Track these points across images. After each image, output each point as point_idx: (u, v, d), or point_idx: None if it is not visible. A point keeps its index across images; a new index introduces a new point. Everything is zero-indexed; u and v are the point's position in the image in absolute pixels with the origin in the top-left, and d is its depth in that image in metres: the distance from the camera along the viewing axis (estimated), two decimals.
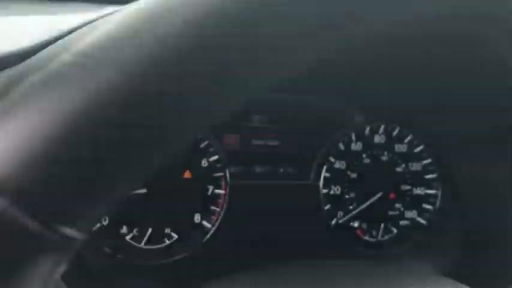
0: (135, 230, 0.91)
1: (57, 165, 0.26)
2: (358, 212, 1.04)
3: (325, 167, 1.03)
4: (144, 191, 0.89)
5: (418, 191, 1.09)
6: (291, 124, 1.03)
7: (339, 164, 1.04)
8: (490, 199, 0.94)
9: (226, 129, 0.99)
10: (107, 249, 0.89)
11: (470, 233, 1.00)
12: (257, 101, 1.01)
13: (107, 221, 0.89)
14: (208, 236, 0.95)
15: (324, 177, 1.03)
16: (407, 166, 1.08)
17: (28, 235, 0.26)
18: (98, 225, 0.88)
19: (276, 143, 1.02)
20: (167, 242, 0.94)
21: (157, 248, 0.93)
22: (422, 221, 1.09)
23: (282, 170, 1.03)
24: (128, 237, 0.91)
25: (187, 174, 0.95)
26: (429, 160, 1.08)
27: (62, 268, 0.30)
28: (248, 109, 1.01)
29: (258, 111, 1.02)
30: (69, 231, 0.28)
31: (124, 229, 0.91)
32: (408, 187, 1.08)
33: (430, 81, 0.88)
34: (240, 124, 1.00)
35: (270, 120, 1.02)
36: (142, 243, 0.91)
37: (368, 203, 1.04)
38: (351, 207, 1.05)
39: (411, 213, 1.09)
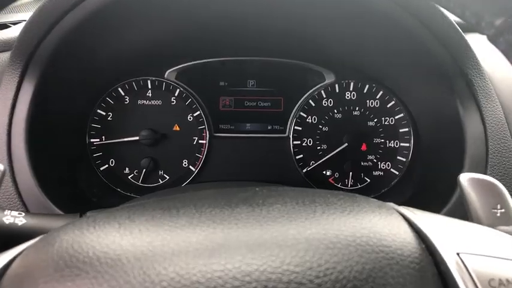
0: (135, 171, 1.15)
1: None
2: (329, 161, 1.15)
3: (294, 121, 1.16)
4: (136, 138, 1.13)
5: (392, 144, 1.17)
6: (276, 86, 1.19)
7: (311, 119, 1.17)
8: (443, 135, 0.99)
9: (222, 92, 1.18)
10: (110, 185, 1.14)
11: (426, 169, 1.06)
12: (248, 67, 1.18)
13: (113, 163, 1.15)
14: (191, 177, 1.15)
15: (296, 130, 1.16)
16: (379, 121, 1.16)
17: None
18: (106, 166, 1.14)
19: (265, 104, 1.19)
20: (161, 182, 1.16)
21: (153, 187, 1.16)
22: (396, 172, 1.16)
23: (269, 127, 1.19)
24: (129, 177, 1.15)
25: (176, 127, 1.16)
26: (401, 115, 1.15)
27: None
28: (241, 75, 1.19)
29: (250, 77, 1.19)
30: None
31: (127, 170, 1.15)
32: (381, 140, 1.16)
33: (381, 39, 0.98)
34: (233, 89, 1.19)
35: (259, 84, 1.19)
36: (139, 182, 1.15)
37: (334, 152, 1.14)
38: (323, 158, 1.16)
39: (385, 165, 1.17)
